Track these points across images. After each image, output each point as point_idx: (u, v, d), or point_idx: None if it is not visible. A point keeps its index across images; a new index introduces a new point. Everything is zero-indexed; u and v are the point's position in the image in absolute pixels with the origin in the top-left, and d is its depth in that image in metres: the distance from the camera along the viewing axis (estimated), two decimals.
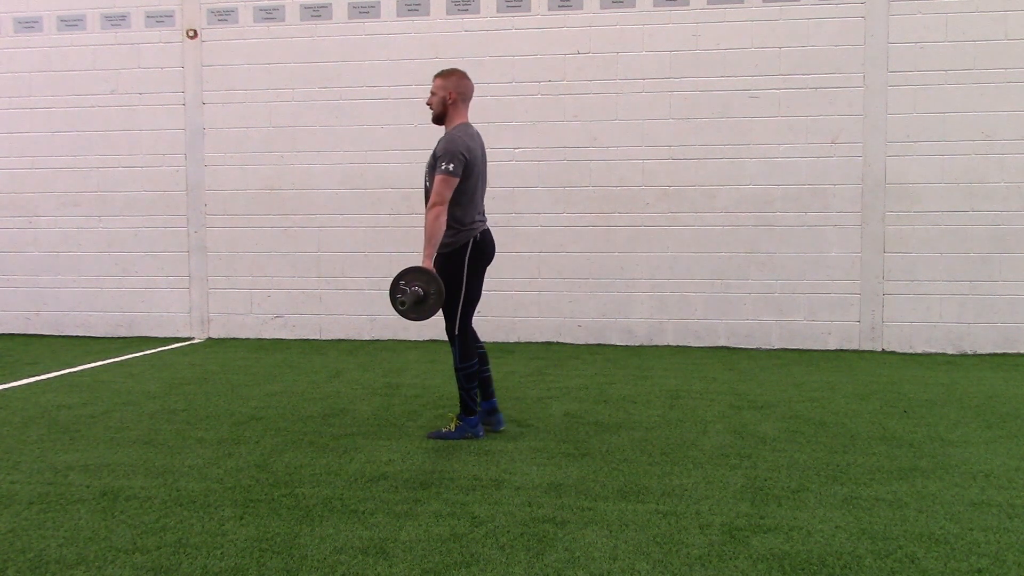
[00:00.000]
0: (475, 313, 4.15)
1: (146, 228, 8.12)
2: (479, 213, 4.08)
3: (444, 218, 3.87)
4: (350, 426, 4.35)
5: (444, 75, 4.11)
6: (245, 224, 7.99)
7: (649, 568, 2.50)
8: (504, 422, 4.27)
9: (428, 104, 4.14)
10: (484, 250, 4.05)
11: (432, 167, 3.95)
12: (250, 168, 7.96)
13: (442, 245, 3.95)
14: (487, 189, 4.24)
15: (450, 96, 4.06)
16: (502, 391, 5.30)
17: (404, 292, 3.82)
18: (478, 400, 4.16)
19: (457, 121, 4.07)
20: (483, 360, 4.21)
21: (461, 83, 4.10)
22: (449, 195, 3.87)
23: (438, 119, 4.12)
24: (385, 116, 7.75)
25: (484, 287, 4.14)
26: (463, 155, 3.89)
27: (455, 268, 3.97)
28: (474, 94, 4.23)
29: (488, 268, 4.15)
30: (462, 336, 4.03)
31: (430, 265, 3.88)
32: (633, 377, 5.87)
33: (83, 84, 8.11)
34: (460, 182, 3.90)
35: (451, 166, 3.85)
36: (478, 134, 4.13)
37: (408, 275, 3.85)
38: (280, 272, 7.97)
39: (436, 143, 4.02)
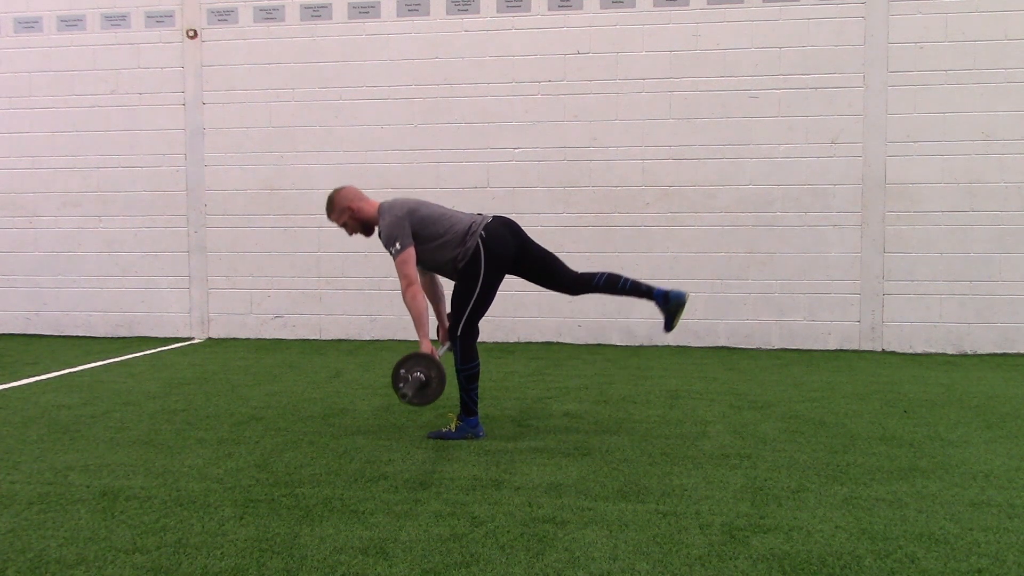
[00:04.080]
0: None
1: (146, 228, 8.12)
2: (471, 220, 4.05)
3: (420, 295, 3.92)
4: (350, 426, 4.34)
5: (330, 208, 4.14)
6: (245, 224, 8.00)
7: (649, 568, 2.50)
8: (683, 293, 4.09)
9: (351, 234, 4.19)
10: (498, 244, 3.99)
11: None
12: (250, 168, 7.96)
13: (457, 260, 3.98)
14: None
15: (352, 210, 4.09)
16: (502, 391, 5.30)
17: (405, 380, 3.82)
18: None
19: (375, 209, 4.08)
20: (612, 281, 4.09)
21: (341, 196, 4.12)
22: (413, 270, 3.91)
23: (366, 231, 4.17)
24: (385, 116, 7.75)
25: None
26: (400, 224, 3.92)
27: (474, 271, 3.97)
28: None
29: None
30: (464, 338, 4.01)
31: (427, 347, 3.89)
32: (633, 377, 5.87)
33: (83, 84, 8.11)
34: (419, 235, 3.94)
35: (397, 244, 3.90)
36: (392, 200, 4.12)
37: (408, 362, 3.85)
38: (280, 272, 7.97)
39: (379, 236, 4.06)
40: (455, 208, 4.32)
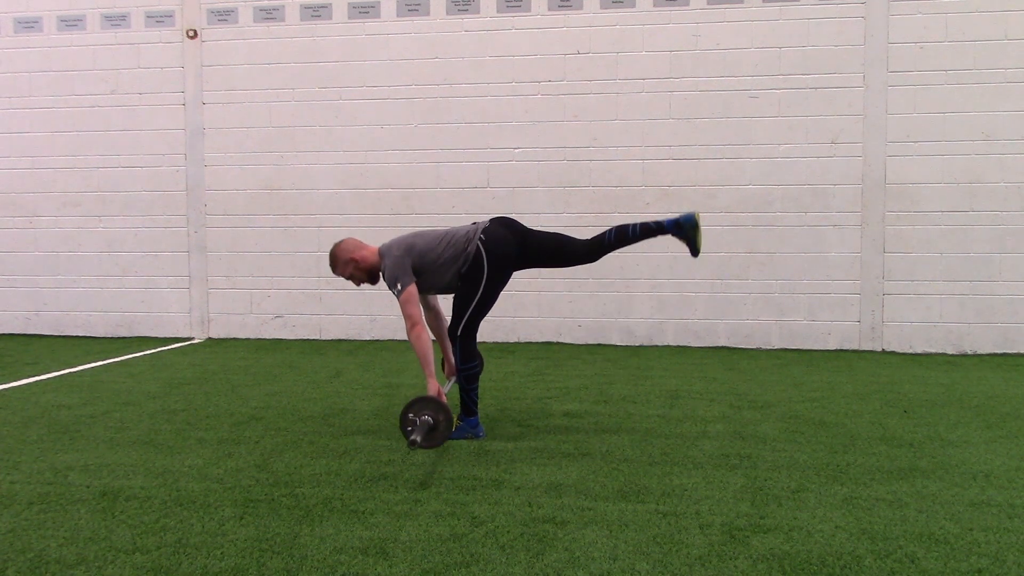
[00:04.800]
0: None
1: (146, 228, 8.12)
2: (467, 229, 4.08)
3: (425, 335, 3.93)
4: (350, 426, 4.35)
5: (334, 263, 4.19)
6: (245, 224, 8.00)
7: (649, 568, 2.50)
8: (692, 213, 4.03)
9: (359, 284, 4.24)
10: (498, 244, 4.00)
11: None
12: (250, 168, 7.96)
13: (460, 269, 4.00)
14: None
15: (356, 261, 4.12)
16: (502, 391, 5.30)
17: (414, 424, 3.81)
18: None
19: (376, 255, 4.12)
20: (622, 233, 4.09)
21: (342, 250, 4.16)
22: (417, 310, 3.93)
23: (372, 279, 4.19)
24: (385, 116, 7.75)
25: None
26: (401, 263, 3.95)
27: (477, 275, 3.99)
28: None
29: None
30: (465, 338, 4.03)
31: (434, 387, 3.88)
32: (633, 377, 5.87)
33: (83, 84, 8.11)
34: (421, 266, 3.97)
35: (399, 284, 3.94)
36: (391, 241, 4.15)
37: (415, 406, 3.84)
38: (280, 272, 7.97)
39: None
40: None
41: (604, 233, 4.13)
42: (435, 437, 3.79)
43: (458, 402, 4.19)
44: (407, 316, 3.94)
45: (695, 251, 4.07)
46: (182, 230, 8.08)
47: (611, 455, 3.75)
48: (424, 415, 3.78)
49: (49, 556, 2.60)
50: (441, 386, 4.05)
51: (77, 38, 8.12)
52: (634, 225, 4.10)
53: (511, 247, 4.05)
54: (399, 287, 3.94)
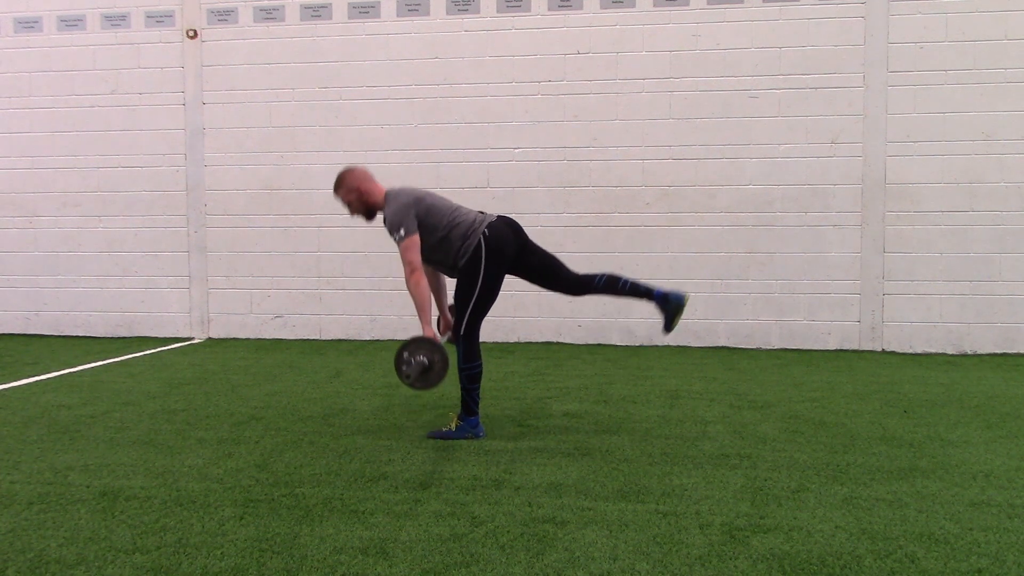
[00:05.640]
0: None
1: (146, 228, 8.12)
2: (475, 216, 4.07)
3: (424, 281, 3.91)
4: (350, 426, 4.35)
5: (339, 184, 4.18)
6: (245, 224, 8.00)
7: (649, 568, 2.50)
8: (682, 295, 4.09)
9: (353, 214, 4.21)
10: (499, 241, 4.00)
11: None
12: (250, 168, 7.96)
13: (458, 256, 3.98)
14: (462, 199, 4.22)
15: (361, 191, 4.11)
16: (502, 391, 5.30)
17: (409, 364, 3.81)
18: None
19: (382, 195, 4.11)
20: (612, 282, 4.12)
21: (352, 176, 4.15)
22: (417, 256, 3.91)
23: (369, 215, 4.17)
24: (385, 116, 7.75)
25: None
26: (406, 211, 3.94)
27: (474, 269, 3.98)
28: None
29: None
30: (467, 337, 4.02)
31: (430, 332, 3.88)
32: (633, 377, 5.87)
33: (83, 84, 8.11)
34: (424, 223, 3.95)
35: (402, 230, 3.91)
36: (400, 187, 4.15)
37: (411, 346, 3.85)
38: (280, 272, 7.97)
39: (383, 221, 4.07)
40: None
41: (596, 276, 4.17)
42: (429, 378, 3.79)
43: (457, 391, 4.18)
44: (407, 263, 3.91)
45: (667, 328, 4.14)
46: (182, 230, 8.08)
47: (611, 455, 3.75)
48: (419, 356, 3.78)
49: (49, 556, 2.60)
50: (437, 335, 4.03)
51: (77, 38, 8.13)
52: (626, 281, 4.14)
53: (511, 247, 4.05)
54: (402, 232, 3.91)
